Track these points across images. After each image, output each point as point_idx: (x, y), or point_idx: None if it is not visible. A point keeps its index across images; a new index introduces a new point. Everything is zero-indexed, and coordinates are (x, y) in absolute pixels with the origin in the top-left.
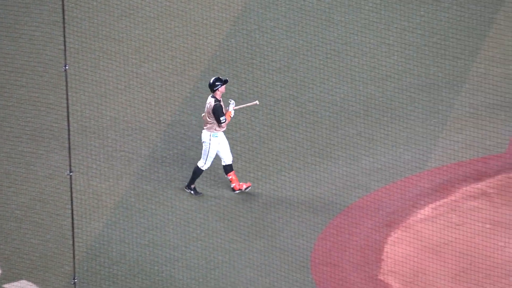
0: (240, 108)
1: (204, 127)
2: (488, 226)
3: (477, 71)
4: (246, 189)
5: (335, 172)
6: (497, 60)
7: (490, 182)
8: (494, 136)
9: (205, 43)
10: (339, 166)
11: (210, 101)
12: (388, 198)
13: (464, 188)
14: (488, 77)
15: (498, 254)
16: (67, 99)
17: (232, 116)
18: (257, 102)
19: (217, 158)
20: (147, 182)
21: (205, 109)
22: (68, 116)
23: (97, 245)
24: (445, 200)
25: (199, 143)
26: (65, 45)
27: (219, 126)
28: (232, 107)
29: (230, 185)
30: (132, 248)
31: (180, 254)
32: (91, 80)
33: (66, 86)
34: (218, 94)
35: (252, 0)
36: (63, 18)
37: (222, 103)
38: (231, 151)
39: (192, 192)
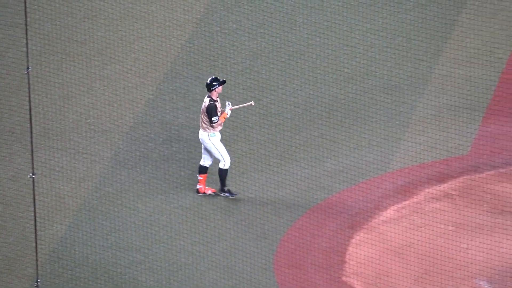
0: (236, 108)
1: (201, 129)
2: (450, 228)
3: (439, 73)
4: (209, 194)
5: (298, 174)
6: (459, 62)
7: (452, 184)
8: (456, 138)
9: (168, 45)
10: (302, 168)
11: (205, 101)
12: (351, 200)
13: (427, 190)
14: (450, 78)
15: (461, 256)
16: (30, 102)
17: (227, 117)
18: (252, 102)
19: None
20: (110, 184)
21: (201, 109)
22: (30, 119)
23: (60, 248)
24: (408, 202)
25: (162, 144)
26: (27, 47)
27: (211, 126)
28: (228, 108)
29: (196, 186)
30: (95, 250)
31: (143, 256)
32: (53, 82)
33: (29, 88)
34: (215, 94)
35: (215, 2)
36: (25, 20)
37: (218, 103)
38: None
39: (227, 195)
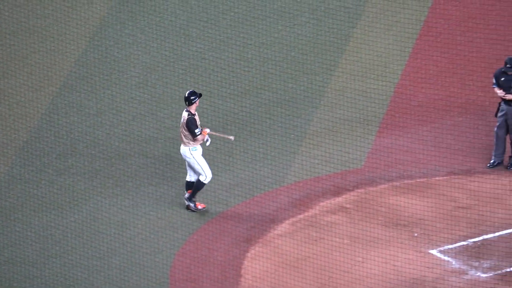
0: (213, 134)
1: (182, 144)
2: (346, 241)
3: (334, 86)
4: (200, 209)
5: None
6: (354, 75)
7: (347, 197)
8: (351, 151)
9: (62, 59)
10: None
11: (184, 115)
12: (247, 214)
13: (322, 203)
14: (345, 92)
15: (356, 269)
16: None
17: (206, 136)
18: (232, 138)
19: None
20: (5, 199)
21: (180, 124)
22: None
23: None
24: (303, 215)
25: (57, 158)
26: None
27: (194, 140)
28: (208, 130)
29: (186, 202)
30: None
31: (38, 271)
32: None
33: None
34: (193, 108)
35: (109, 16)
36: None
37: (196, 117)
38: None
39: (192, 206)
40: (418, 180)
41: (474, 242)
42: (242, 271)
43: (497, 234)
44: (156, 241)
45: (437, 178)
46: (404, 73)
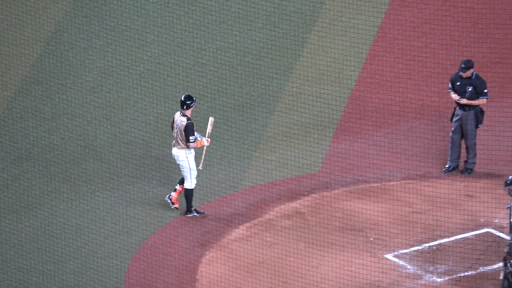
0: (209, 132)
1: (176, 147)
2: (301, 245)
3: (290, 91)
4: (174, 208)
5: (149, 192)
6: (310, 80)
7: (303, 202)
8: (307, 155)
9: (18, 64)
10: (154, 186)
11: (182, 119)
12: (203, 218)
13: (278, 208)
14: (301, 96)
15: (311, 273)
16: None
17: (205, 144)
18: (211, 118)
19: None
20: None
21: (176, 128)
22: None
23: None
24: (260, 219)
25: (12, 163)
26: None
27: (187, 146)
28: (207, 143)
29: (171, 193)
30: None
31: None
32: None
33: None
34: (189, 112)
35: (65, 21)
36: None
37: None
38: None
39: (195, 214)
40: (373, 184)
41: (429, 246)
42: (198, 275)
43: (452, 238)
44: (111, 245)
45: (392, 183)
46: (360, 77)
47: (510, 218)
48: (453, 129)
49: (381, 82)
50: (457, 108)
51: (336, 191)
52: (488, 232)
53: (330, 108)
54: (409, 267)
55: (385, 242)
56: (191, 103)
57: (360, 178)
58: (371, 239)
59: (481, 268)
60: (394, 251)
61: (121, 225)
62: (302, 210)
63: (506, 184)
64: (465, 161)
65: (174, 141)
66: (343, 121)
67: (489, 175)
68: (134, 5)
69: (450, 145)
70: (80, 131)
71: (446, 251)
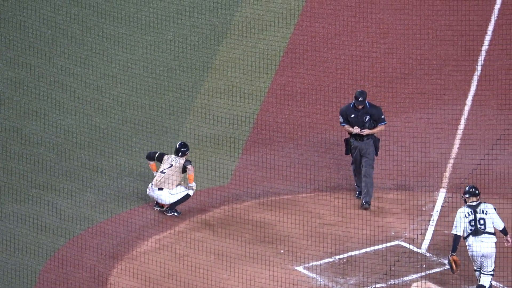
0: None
1: (161, 187)
2: (212, 257)
3: (201, 103)
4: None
5: (59, 204)
6: (221, 92)
7: (214, 214)
8: (218, 167)
9: None
10: (63, 198)
11: (180, 161)
12: (113, 230)
13: (189, 220)
14: (212, 108)
15: (222, 285)
16: None
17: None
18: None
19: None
20: None
21: (168, 166)
22: None
23: None
24: (170, 231)
25: None
26: None
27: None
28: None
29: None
30: None
31: None
32: None
33: None
34: (183, 160)
35: None
36: None
37: None
38: None
39: (175, 213)
40: (284, 197)
41: (340, 258)
42: (108, 287)
43: (362, 250)
44: (21, 257)
45: (303, 195)
46: (270, 90)
47: (455, 220)
48: (352, 160)
49: (291, 94)
50: (353, 140)
51: (247, 203)
52: (398, 244)
53: (241, 120)
54: (319, 279)
55: (295, 254)
56: (186, 151)
57: (271, 190)
58: (281, 251)
59: (391, 280)
60: (304, 263)
61: (31, 237)
62: (212, 222)
63: (465, 193)
64: (360, 192)
65: (153, 182)
66: (254, 133)
67: (399, 187)
68: (44, 17)
69: (354, 175)
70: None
71: (356, 263)
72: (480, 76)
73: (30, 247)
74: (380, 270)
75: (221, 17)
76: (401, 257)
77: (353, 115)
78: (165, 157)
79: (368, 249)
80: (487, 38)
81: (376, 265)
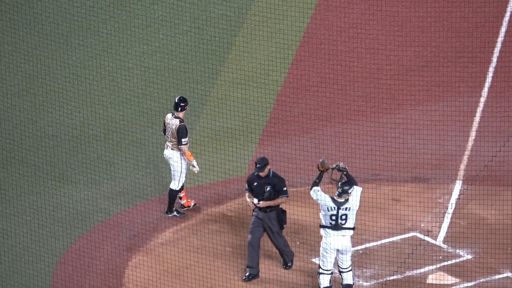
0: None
1: (170, 148)
2: (229, 249)
3: (216, 95)
4: (193, 206)
5: (75, 196)
6: (236, 84)
7: (230, 206)
8: (234, 159)
9: None
10: (80, 190)
11: (174, 122)
12: (129, 222)
13: (205, 212)
14: (228, 100)
15: (239, 276)
16: None
17: (194, 162)
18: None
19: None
20: None
21: (168, 131)
22: None
23: None
24: (186, 223)
25: None
26: None
27: (178, 147)
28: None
29: (180, 202)
30: None
31: None
32: None
33: None
34: (182, 114)
35: None
36: None
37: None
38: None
39: (176, 214)
40: (300, 188)
41: (356, 250)
42: (124, 280)
43: (379, 242)
44: (38, 249)
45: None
46: (286, 82)
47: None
48: (251, 232)
49: (307, 87)
50: (256, 210)
51: None
52: (414, 236)
53: (256, 113)
54: (335, 271)
55: (312, 246)
56: (185, 105)
57: (287, 182)
58: (298, 243)
59: (407, 272)
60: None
61: (48, 229)
62: (229, 214)
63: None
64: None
65: (166, 143)
66: (270, 125)
67: (415, 179)
68: (59, 9)
69: (248, 251)
70: (6, 135)
71: (372, 255)
72: (496, 67)
73: (46, 239)
74: (396, 261)
75: (236, 9)
76: (417, 248)
77: (255, 183)
78: (165, 118)
79: (384, 241)
80: (503, 29)
81: (392, 256)
